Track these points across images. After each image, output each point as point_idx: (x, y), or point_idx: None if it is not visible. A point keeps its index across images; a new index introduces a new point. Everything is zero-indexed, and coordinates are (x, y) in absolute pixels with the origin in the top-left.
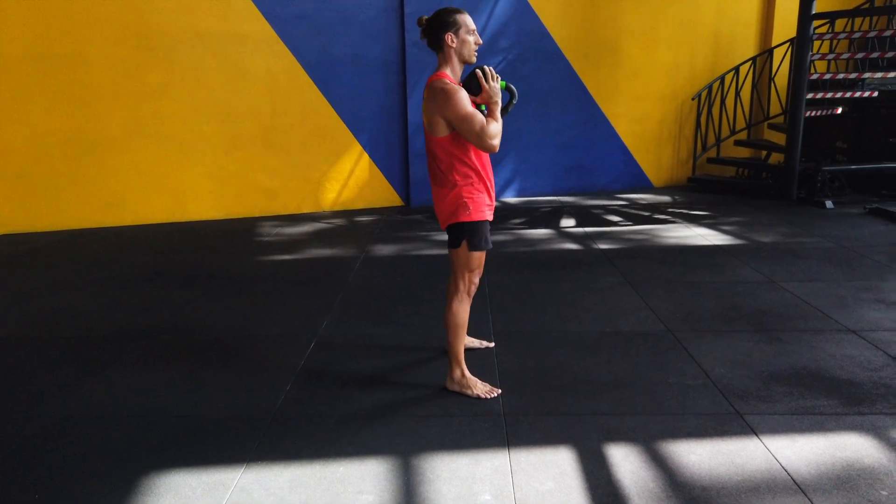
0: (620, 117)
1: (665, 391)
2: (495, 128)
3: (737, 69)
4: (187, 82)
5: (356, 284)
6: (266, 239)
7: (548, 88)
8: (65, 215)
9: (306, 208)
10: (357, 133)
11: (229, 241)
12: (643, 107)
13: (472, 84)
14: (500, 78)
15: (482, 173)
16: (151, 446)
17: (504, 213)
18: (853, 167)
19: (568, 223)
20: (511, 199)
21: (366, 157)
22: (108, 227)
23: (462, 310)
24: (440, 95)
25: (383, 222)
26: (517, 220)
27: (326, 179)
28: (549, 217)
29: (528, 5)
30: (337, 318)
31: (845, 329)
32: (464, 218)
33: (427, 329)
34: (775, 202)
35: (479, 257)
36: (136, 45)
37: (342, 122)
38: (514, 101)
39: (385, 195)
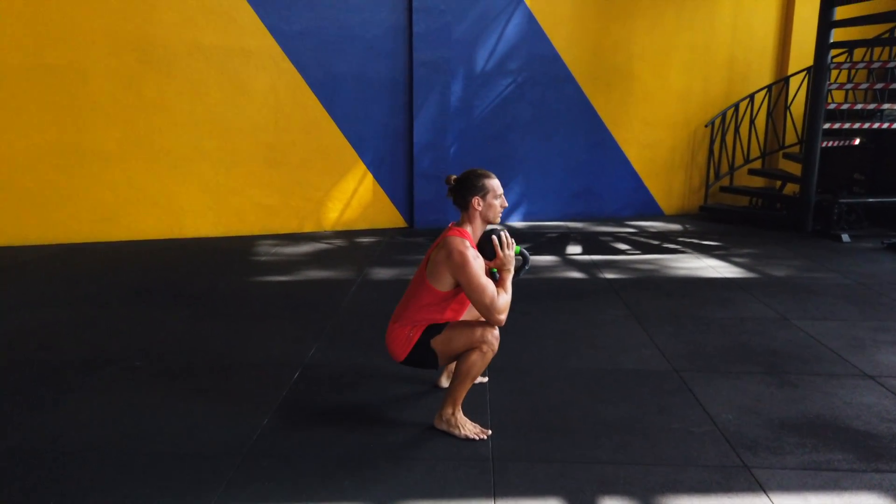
0: (631, 142)
1: (668, 438)
2: (504, 301)
3: (752, 97)
4: (187, 96)
5: (350, 309)
6: (263, 258)
7: (557, 112)
8: (57, 229)
9: (307, 228)
10: (361, 152)
11: (224, 259)
12: (655, 132)
13: (486, 249)
14: (514, 244)
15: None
16: (107, 485)
17: None
18: (871, 200)
19: (574, 250)
20: (517, 223)
21: (370, 176)
22: (101, 243)
23: (483, 363)
24: (457, 258)
25: (385, 244)
26: (522, 246)
27: (328, 199)
28: (554, 243)
29: (539, 28)
30: (326, 346)
31: (862, 374)
32: (414, 341)
33: None
34: (789, 234)
35: (461, 326)
36: (137, 57)
37: (346, 141)
38: (527, 267)
39: (388, 216)
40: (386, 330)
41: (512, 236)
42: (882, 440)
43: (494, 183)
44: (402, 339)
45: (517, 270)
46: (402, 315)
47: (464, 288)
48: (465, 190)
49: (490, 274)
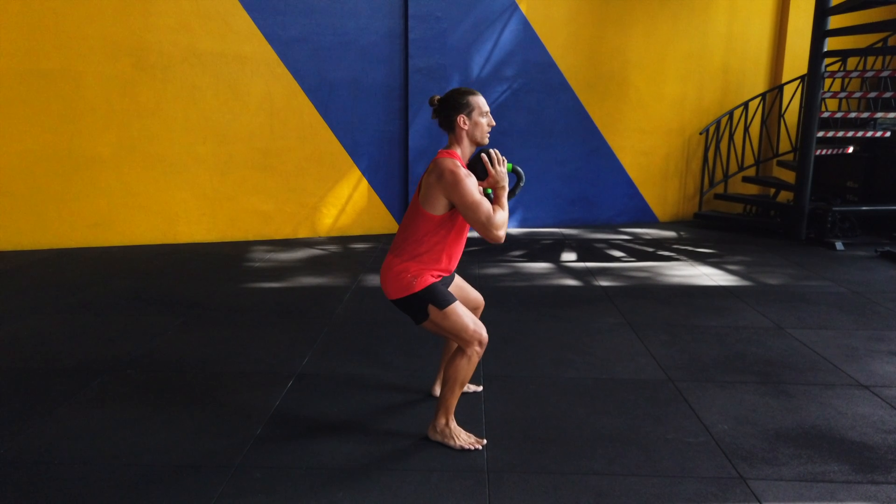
0: (626, 150)
1: (663, 449)
2: (501, 217)
3: (746, 105)
4: (182, 102)
5: (344, 317)
6: (256, 265)
7: (552, 119)
8: (50, 234)
9: (302, 233)
10: (356, 158)
11: (218, 266)
12: (649, 140)
13: (478, 168)
14: (506, 161)
15: (445, 262)
16: (95, 496)
17: (504, 245)
18: (864, 208)
19: (569, 257)
20: (512, 230)
21: (364, 182)
22: (95, 248)
23: (470, 368)
24: (449, 178)
25: (379, 250)
26: (516, 253)
27: (323, 204)
28: (549, 250)
29: (534, 35)
30: (319, 355)
31: (857, 384)
32: (413, 290)
33: (413, 369)
34: (783, 241)
35: (461, 312)
36: (132, 63)
37: (341, 147)
38: (522, 184)
39: (383, 222)
40: (383, 264)
41: (508, 241)
42: (877, 451)
43: (479, 100)
44: (403, 281)
45: (512, 189)
46: (402, 247)
47: (458, 207)
48: (450, 109)
49: (485, 195)
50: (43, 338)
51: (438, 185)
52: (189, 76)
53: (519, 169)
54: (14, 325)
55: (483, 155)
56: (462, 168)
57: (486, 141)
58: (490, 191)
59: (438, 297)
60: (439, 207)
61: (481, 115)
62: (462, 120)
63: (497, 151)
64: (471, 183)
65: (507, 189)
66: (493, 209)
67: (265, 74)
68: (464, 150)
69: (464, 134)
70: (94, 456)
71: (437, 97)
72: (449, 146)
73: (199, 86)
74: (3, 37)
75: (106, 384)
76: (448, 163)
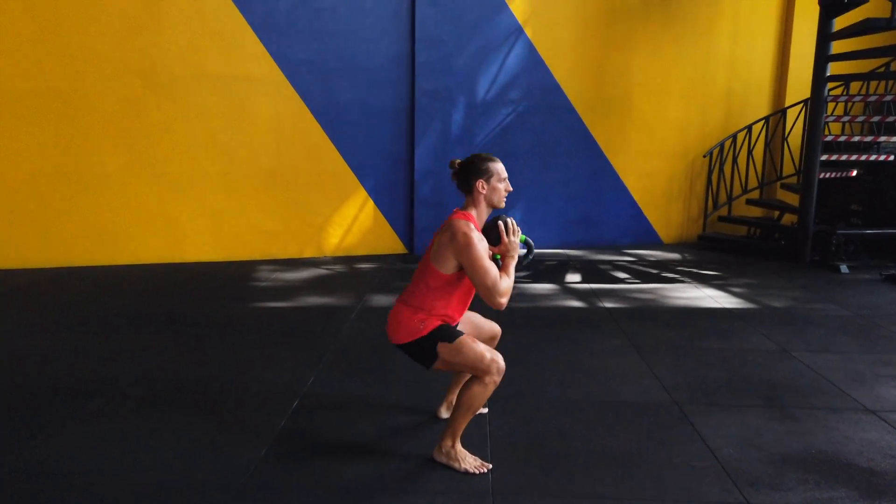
0: (630, 171)
1: (669, 472)
2: (507, 284)
3: (749, 128)
4: (190, 121)
5: (349, 337)
6: (262, 284)
7: (556, 140)
8: (57, 252)
9: (308, 253)
10: (362, 178)
11: (223, 284)
12: (653, 162)
13: (491, 234)
14: (520, 232)
15: (452, 315)
16: None
17: None
18: (868, 231)
19: (573, 278)
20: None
21: (370, 202)
22: (101, 266)
23: (486, 395)
24: (461, 240)
25: (385, 270)
26: (520, 274)
27: (329, 224)
28: (553, 271)
29: (539, 58)
30: (325, 375)
31: (863, 408)
32: (421, 334)
33: (419, 390)
34: (787, 264)
35: (473, 344)
36: (141, 82)
37: (348, 167)
38: (531, 257)
39: (389, 242)
40: (391, 310)
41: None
42: (885, 477)
43: (498, 166)
44: (412, 325)
45: (520, 259)
46: (411, 299)
47: (466, 270)
48: (469, 173)
49: (493, 260)
50: (45, 356)
51: (450, 246)
52: (197, 96)
53: (531, 241)
54: (17, 344)
55: (499, 222)
56: (475, 231)
57: (503, 205)
58: (499, 256)
59: (446, 333)
60: (448, 267)
61: (499, 181)
62: (481, 185)
63: (513, 220)
64: (482, 247)
65: (516, 259)
66: (500, 276)
67: (273, 95)
68: (480, 213)
69: (481, 198)
70: (94, 473)
71: (458, 161)
72: (465, 207)
73: (208, 105)
74: (14, 56)
75: (108, 402)
76: (462, 225)
